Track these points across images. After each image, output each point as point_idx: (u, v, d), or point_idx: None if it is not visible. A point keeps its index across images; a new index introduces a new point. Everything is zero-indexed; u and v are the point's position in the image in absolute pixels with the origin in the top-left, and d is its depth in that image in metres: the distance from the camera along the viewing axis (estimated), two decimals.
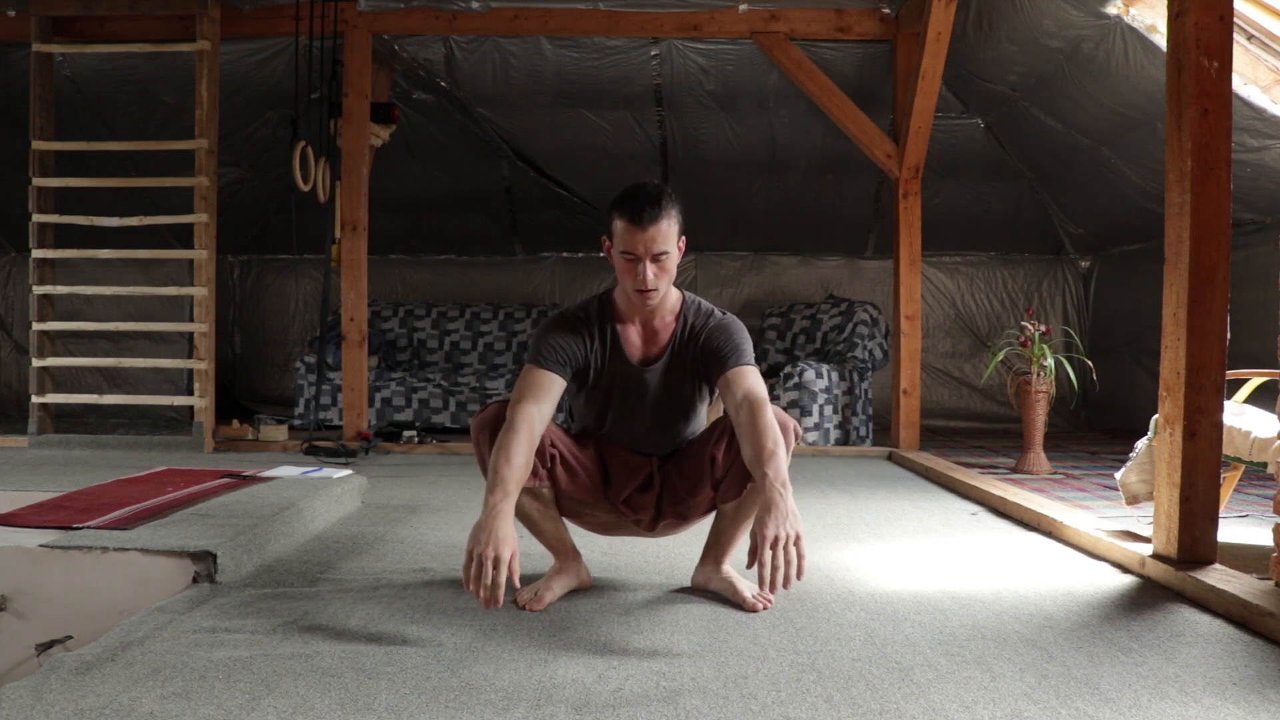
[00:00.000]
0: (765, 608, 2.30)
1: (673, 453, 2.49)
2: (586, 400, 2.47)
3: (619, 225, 2.29)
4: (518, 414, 2.22)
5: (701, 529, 2.54)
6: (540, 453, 2.32)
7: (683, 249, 2.36)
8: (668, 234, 2.27)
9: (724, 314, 2.45)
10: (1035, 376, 4.97)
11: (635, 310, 2.40)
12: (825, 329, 6.83)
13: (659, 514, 2.48)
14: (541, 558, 2.73)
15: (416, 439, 5.83)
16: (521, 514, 2.37)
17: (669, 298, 2.41)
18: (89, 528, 2.71)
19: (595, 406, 2.47)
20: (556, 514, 2.43)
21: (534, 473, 2.32)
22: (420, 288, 8.24)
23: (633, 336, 2.41)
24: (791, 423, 2.35)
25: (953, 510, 3.83)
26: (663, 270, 2.30)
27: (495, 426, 2.29)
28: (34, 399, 5.58)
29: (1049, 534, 3.29)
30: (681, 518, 2.48)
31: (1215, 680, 1.84)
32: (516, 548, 2.02)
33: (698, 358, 2.38)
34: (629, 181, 2.35)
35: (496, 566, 1.98)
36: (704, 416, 2.54)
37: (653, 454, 2.48)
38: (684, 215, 2.34)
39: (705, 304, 2.47)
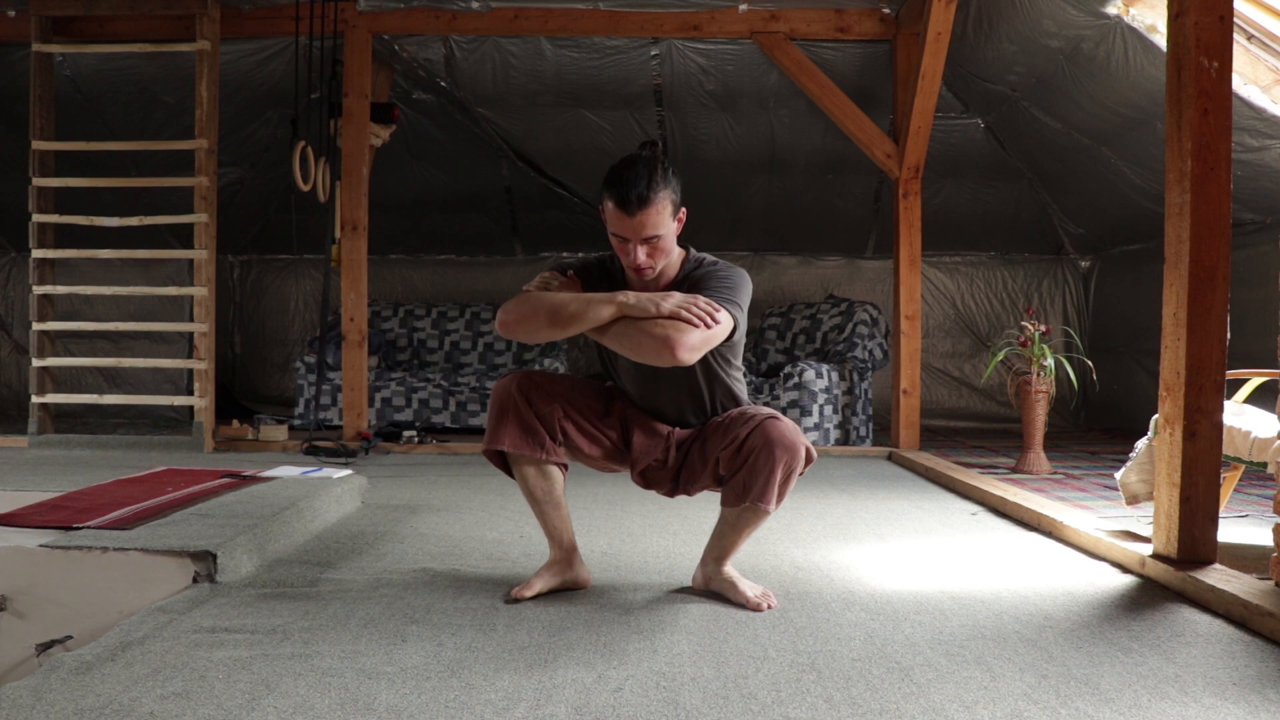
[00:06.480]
0: (770, 607, 2.29)
1: (697, 425, 2.38)
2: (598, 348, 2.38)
3: (608, 206, 2.20)
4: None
5: (702, 527, 2.53)
6: (549, 424, 2.25)
7: (683, 221, 2.25)
8: (658, 219, 2.16)
9: (726, 264, 2.30)
10: (1035, 376, 4.97)
11: (636, 284, 2.30)
12: (825, 329, 6.83)
13: (676, 486, 2.42)
14: (543, 558, 2.73)
15: (416, 439, 5.83)
16: (525, 489, 2.33)
17: (671, 265, 2.30)
18: (89, 528, 2.71)
19: (602, 354, 2.40)
20: (561, 498, 2.36)
21: (541, 444, 2.25)
22: (420, 288, 8.25)
23: None
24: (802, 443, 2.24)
25: (953, 510, 3.83)
26: (656, 250, 2.21)
27: (506, 399, 2.25)
28: (34, 399, 5.58)
29: (1049, 534, 3.29)
30: (691, 494, 2.43)
31: (1215, 680, 1.84)
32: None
33: None
34: None
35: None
36: (728, 377, 2.36)
37: (671, 420, 2.37)
38: (683, 204, 2.25)
39: (711, 258, 2.32)
